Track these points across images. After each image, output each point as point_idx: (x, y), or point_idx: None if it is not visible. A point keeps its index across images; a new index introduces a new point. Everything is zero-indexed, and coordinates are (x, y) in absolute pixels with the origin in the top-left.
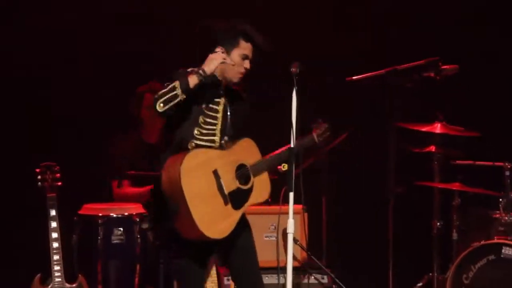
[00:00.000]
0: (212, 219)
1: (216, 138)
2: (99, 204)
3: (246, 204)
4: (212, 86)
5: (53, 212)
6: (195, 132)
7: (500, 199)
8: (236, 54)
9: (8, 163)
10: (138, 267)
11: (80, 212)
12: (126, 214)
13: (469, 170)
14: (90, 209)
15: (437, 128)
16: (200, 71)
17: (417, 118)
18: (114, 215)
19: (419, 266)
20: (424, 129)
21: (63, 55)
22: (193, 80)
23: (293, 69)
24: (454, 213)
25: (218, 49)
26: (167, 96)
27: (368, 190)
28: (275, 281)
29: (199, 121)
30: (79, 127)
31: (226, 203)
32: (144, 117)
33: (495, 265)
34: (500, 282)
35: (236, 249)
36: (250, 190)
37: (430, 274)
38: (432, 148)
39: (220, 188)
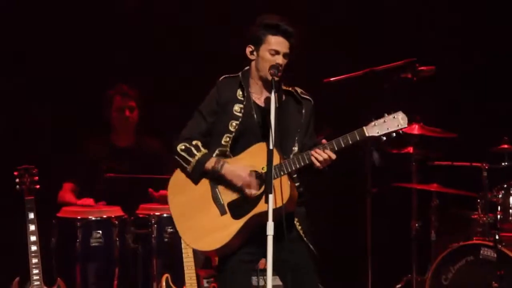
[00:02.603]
0: (201, 232)
1: (227, 144)
2: (78, 207)
3: (252, 213)
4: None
5: (31, 215)
6: (224, 139)
7: (478, 200)
8: (264, 50)
9: None
10: (117, 270)
11: (59, 214)
12: (104, 216)
13: (447, 171)
14: (68, 211)
15: (415, 129)
16: (219, 170)
17: None
18: (93, 218)
19: (398, 267)
20: None
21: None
22: (208, 168)
23: (271, 71)
24: (432, 214)
25: (247, 49)
26: (182, 159)
27: (346, 192)
28: (255, 283)
29: (229, 127)
30: (59, 130)
31: (223, 213)
32: (114, 121)
33: (474, 266)
34: (479, 283)
35: (290, 267)
36: (259, 197)
37: (409, 275)
38: (410, 149)
39: (215, 198)
